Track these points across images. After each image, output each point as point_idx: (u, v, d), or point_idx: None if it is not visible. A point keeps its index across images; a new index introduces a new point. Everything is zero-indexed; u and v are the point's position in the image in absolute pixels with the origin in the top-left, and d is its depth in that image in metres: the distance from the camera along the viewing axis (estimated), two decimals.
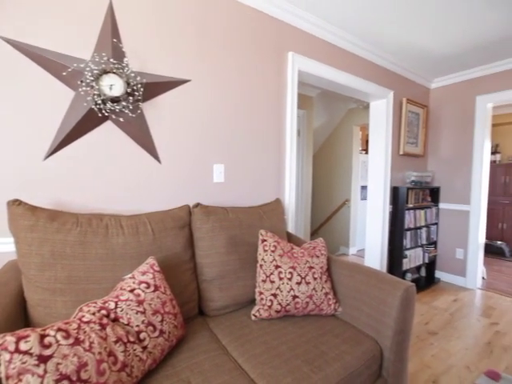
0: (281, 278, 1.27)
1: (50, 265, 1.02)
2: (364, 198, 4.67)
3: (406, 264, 2.96)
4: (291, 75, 2.03)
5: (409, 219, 2.96)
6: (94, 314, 0.83)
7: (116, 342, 0.81)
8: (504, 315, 2.50)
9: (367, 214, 3.03)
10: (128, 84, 1.32)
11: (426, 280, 3.27)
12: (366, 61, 2.64)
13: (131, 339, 0.86)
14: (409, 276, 3.15)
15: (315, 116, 4.30)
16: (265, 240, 1.36)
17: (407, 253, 2.97)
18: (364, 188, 4.66)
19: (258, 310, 1.29)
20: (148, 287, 1.00)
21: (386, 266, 2.99)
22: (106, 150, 1.37)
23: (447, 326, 2.30)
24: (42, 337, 0.68)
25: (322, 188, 4.96)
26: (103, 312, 0.86)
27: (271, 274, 1.29)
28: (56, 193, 1.27)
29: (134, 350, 0.86)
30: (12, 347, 0.63)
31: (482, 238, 3.12)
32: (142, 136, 1.46)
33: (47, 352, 0.66)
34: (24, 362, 0.63)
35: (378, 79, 2.75)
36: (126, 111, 1.38)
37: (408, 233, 2.97)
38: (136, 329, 0.90)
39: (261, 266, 1.34)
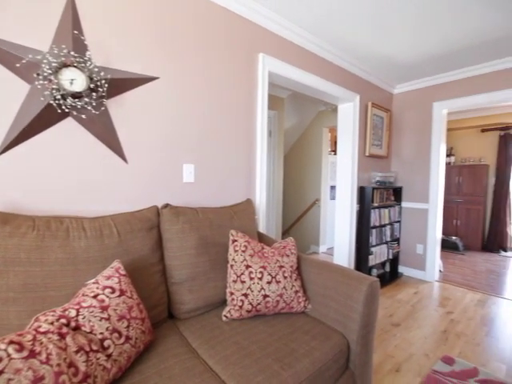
0: (251, 278, 1.28)
1: (0, 272, 0.94)
2: (333, 197, 4.83)
3: (372, 260, 3.10)
4: (262, 76, 2.04)
5: (374, 217, 3.11)
6: (52, 323, 0.78)
7: (77, 351, 0.77)
8: (458, 305, 2.71)
9: (336, 213, 3.14)
10: (91, 79, 1.26)
11: (390, 275, 3.46)
12: (334, 65, 2.73)
13: (94, 348, 0.82)
14: (374, 272, 3.30)
15: (286, 117, 4.37)
16: (235, 240, 1.36)
17: (373, 249, 3.11)
18: (333, 188, 4.82)
19: (228, 311, 1.28)
20: (113, 292, 0.96)
21: (354, 263, 3.12)
22: (66, 148, 1.29)
23: (409, 317, 2.45)
24: None
25: (293, 188, 5.05)
26: (63, 321, 0.81)
27: (242, 274, 1.29)
28: (9, 194, 1.18)
29: (98, 358, 0.81)
30: None
31: (439, 234, 3.36)
32: (106, 134, 1.39)
33: None
34: None
35: (345, 83, 2.86)
36: (89, 108, 1.30)
37: (374, 230, 3.12)
38: (100, 336, 0.86)
39: (231, 266, 1.34)
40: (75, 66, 1.21)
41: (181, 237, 1.37)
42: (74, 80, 1.20)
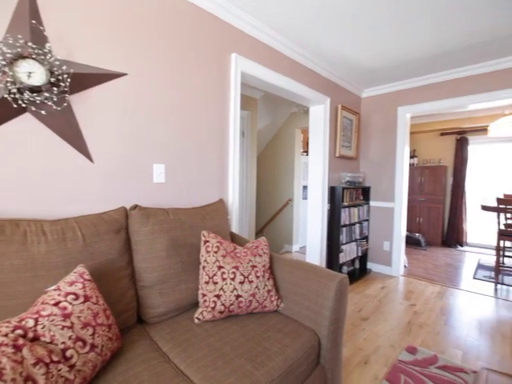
0: (224, 279, 1.27)
1: None
2: (305, 197, 4.93)
3: (343, 258, 3.21)
4: (234, 76, 2.04)
5: (344, 216, 3.22)
6: (6, 335, 0.72)
7: (35, 364, 0.72)
8: (420, 297, 2.88)
9: (308, 212, 3.21)
10: (52, 73, 1.18)
11: (360, 271, 3.60)
12: (306, 68, 2.79)
13: (55, 359, 0.77)
14: (345, 269, 3.42)
15: (259, 118, 4.40)
16: (207, 241, 1.35)
17: (343, 247, 3.22)
18: (306, 188, 4.93)
19: (201, 313, 1.27)
20: (76, 298, 0.91)
21: (326, 261, 3.20)
22: (23, 145, 1.20)
23: (376, 311, 2.57)
24: None
25: (267, 188, 5.09)
26: (19, 332, 0.76)
27: (214, 275, 1.28)
28: None
29: (59, 370, 0.77)
30: None
31: (403, 231, 3.56)
32: (70, 132, 1.31)
33: None
34: None
35: (316, 86, 2.94)
36: (50, 103, 1.23)
37: (344, 229, 3.23)
38: (62, 346, 0.81)
39: (203, 267, 1.32)
40: (34, 58, 1.13)
41: (151, 239, 1.33)
42: (32, 73, 1.13)
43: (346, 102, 3.48)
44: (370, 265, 3.79)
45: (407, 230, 5.46)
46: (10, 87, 1.09)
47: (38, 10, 1.20)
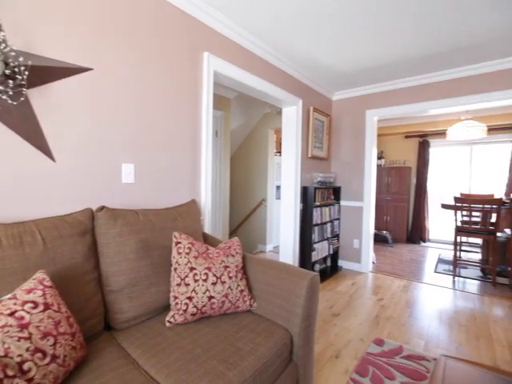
0: (196, 280, 1.25)
1: None
2: (279, 197, 4.99)
3: (315, 256, 3.29)
4: (207, 75, 2.02)
5: (316, 216, 3.30)
6: None
7: None
8: (387, 291, 3.03)
9: (281, 212, 3.25)
10: (7, 64, 1.10)
11: (331, 269, 3.71)
12: (279, 69, 2.82)
13: (10, 373, 0.72)
14: (317, 267, 3.50)
15: (233, 118, 4.39)
16: (179, 242, 1.32)
17: (315, 246, 3.30)
18: (279, 188, 4.99)
19: (172, 316, 1.24)
20: (35, 307, 0.85)
21: (298, 259, 3.26)
22: None
23: (347, 306, 2.66)
24: None
25: (240, 188, 5.09)
26: None
27: (186, 276, 1.26)
28: None
29: None
30: None
31: (371, 229, 3.72)
32: (28, 129, 1.23)
33: None
34: None
35: (289, 87, 2.98)
36: (5, 97, 1.14)
37: (316, 228, 3.31)
38: (18, 359, 0.75)
39: (175, 269, 1.29)
40: None
41: (119, 241, 1.28)
42: None
43: (318, 103, 3.57)
44: (340, 262, 3.92)
45: (375, 228, 5.71)
46: None
47: None
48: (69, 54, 1.35)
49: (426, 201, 5.60)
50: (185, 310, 1.23)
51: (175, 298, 1.26)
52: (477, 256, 4.54)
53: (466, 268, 3.86)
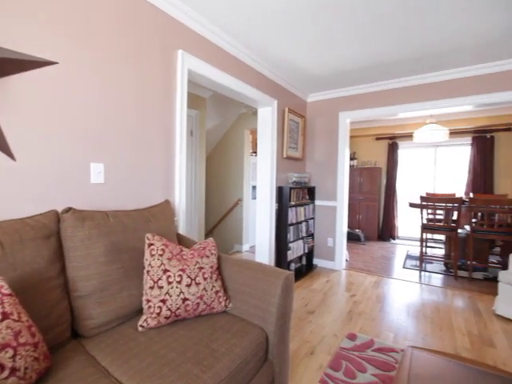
0: (169, 283, 1.23)
1: None
2: (255, 197, 5.01)
3: (291, 255, 3.33)
4: (181, 73, 1.98)
5: (292, 215, 3.35)
6: None
7: None
8: (360, 288, 3.14)
9: (257, 212, 3.27)
10: None
11: (306, 267, 3.78)
12: (254, 70, 2.84)
13: None
14: (293, 266, 3.55)
15: (209, 117, 4.34)
16: (152, 244, 1.29)
17: (291, 245, 3.35)
18: (255, 188, 5.00)
19: (145, 320, 1.20)
20: None
21: (274, 259, 3.29)
22: None
23: (321, 304, 2.72)
24: None
25: (217, 188, 5.05)
26: None
27: (159, 279, 1.23)
28: None
29: None
30: None
31: (345, 228, 3.83)
32: None
33: None
34: None
35: (264, 88, 3.00)
36: None
37: (291, 227, 3.36)
38: None
39: (148, 272, 1.26)
40: None
41: (87, 244, 1.22)
42: None
43: (293, 105, 3.63)
44: (315, 261, 4.01)
45: (348, 227, 5.90)
46: None
47: None
48: (30, 46, 1.27)
49: (396, 200, 5.87)
50: (158, 314, 1.20)
51: (148, 301, 1.23)
52: (441, 251, 4.84)
53: (432, 263, 4.09)
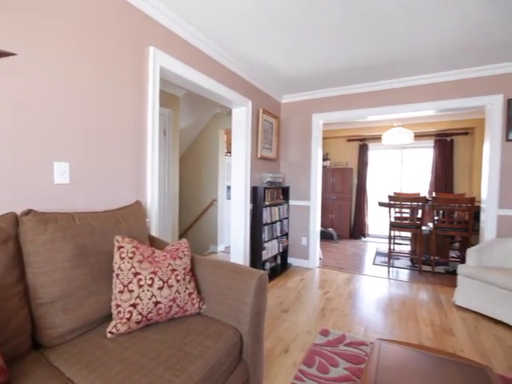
0: (140, 286, 1.19)
1: None
2: (229, 197, 4.99)
3: (265, 255, 3.36)
4: (152, 71, 1.93)
5: (266, 215, 3.37)
6: None
7: None
8: (332, 285, 3.23)
9: (231, 212, 3.26)
10: None
11: (281, 266, 3.83)
12: (229, 70, 2.83)
13: None
14: (268, 265, 3.58)
15: (182, 116, 4.26)
16: (121, 246, 1.24)
17: (265, 245, 3.38)
18: (229, 188, 4.98)
19: (114, 326, 1.16)
20: None
21: (249, 259, 3.30)
22: None
23: (296, 302, 2.77)
24: None
25: (191, 189, 4.98)
26: None
27: (130, 282, 1.19)
28: None
29: None
30: None
31: (318, 227, 3.93)
32: None
33: None
34: None
35: (238, 88, 3.00)
36: None
37: (266, 227, 3.38)
38: None
39: (117, 275, 1.21)
40: None
41: (50, 248, 1.15)
42: None
43: (267, 105, 3.66)
44: (290, 260, 4.07)
45: (322, 226, 6.05)
46: None
47: None
48: None
49: (366, 199, 6.12)
50: (128, 319, 1.16)
51: (118, 306, 1.18)
52: (407, 248, 5.10)
53: (399, 259, 4.31)
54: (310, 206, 3.89)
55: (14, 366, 1.00)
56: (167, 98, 3.43)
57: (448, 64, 2.84)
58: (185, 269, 1.33)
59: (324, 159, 6.26)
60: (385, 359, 1.21)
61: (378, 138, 5.91)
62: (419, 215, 3.83)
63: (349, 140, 6.28)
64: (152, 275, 1.22)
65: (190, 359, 1.05)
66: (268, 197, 3.44)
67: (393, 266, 3.96)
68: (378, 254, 4.69)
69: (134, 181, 1.86)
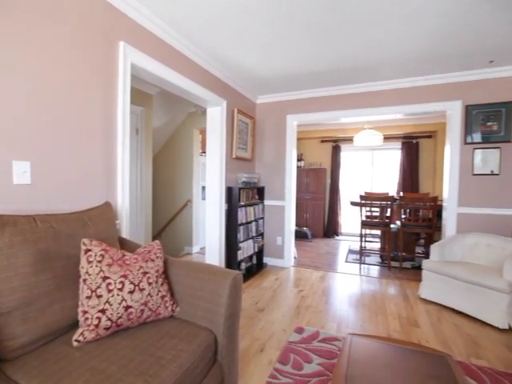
0: (110, 290, 1.14)
1: None
2: (204, 198, 4.92)
3: (241, 255, 3.36)
4: (123, 67, 1.86)
5: (241, 215, 3.37)
6: None
7: None
8: (307, 283, 3.29)
9: (206, 212, 3.22)
10: None
11: (257, 266, 3.84)
12: (203, 69, 2.79)
13: None
14: (243, 265, 3.59)
15: (156, 115, 4.15)
16: (89, 250, 1.18)
17: (241, 245, 3.37)
18: (204, 188, 4.91)
19: (81, 334, 1.10)
20: None
21: (225, 259, 3.28)
22: None
23: (271, 301, 2.79)
24: None
25: (165, 189, 4.86)
26: None
27: (98, 287, 1.14)
28: None
29: None
30: None
31: (293, 226, 3.99)
32: None
33: None
34: None
35: (213, 88, 2.98)
36: None
37: (241, 227, 3.38)
38: None
39: (84, 280, 1.15)
40: None
41: (7, 253, 1.07)
42: None
43: (242, 106, 3.66)
44: (265, 259, 4.10)
45: (296, 225, 6.15)
46: None
47: None
48: None
49: (339, 199, 6.31)
50: (96, 325, 1.11)
51: (85, 312, 1.13)
52: (377, 245, 5.33)
53: (369, 256, 4.49)
54: (284, 206, 3.94)
55: None
56: (140, 96, 3.32)
57: (414, 71, 3.01)
58: (157, 271, 1.30)
59: (298, 160, 6.37)
60: (355, 353, 1.25)
61: (350, 140, 6.11)
62: (388, 214, 4.01)
63: (322, 141, 6.44)
64: (122, 279, 1.17)
65: (163, 364, 1.02)
66: (243, 197, 3.44)
67: (364, 263, 4.11)
68: (351, 251, 4.85)
69: (104, 181, 1.78)
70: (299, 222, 6.21)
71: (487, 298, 2.31)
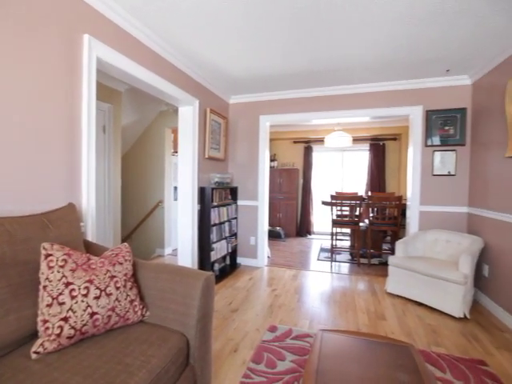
0: (73, 297, 1.08)
1: None
2: (176, 198, 4.82)
3: (214, 256, 3.32)
4: (88, 61, 1.77)
5: (214, 216, 3.34)
6: None
7: None
8: (280, 282, 3.34)
9: (179, 213, 3.16)
10: None
11: (230, 267, 3.83)
12: (175, 67, 2.73)
13: None
14: (217, 266, 3.55)
15: (125, 113, 3.99)
16: (50, 255, 1.11)
17: (214, 246, 3.34)
18: (177, 189, 4.82)
19: (41, 344, 1.03)
20: None
21: (198, 260, 3.23)
22: None
23: (245, 301, 2.79)
24: None
25: (135, 189, 4.69)
26: None
27: (60, 294, 1.07)
28: None
29: None
30: None
31: (266, 226, 4.02)
32: None
33: None
34: None
35: (185, 87, 2.92)
36: None
37: (214, 228, 3.35)
38: None
39: (45, 287, 1.08)
40: None
41: None
42: None
43: (215, 105, 3.63)
44: (239, 259, 4.09)
45: (269, 225, 6.21)
46: None
47: None
48: None
49: (311, 198, 6.46)
50: (58, 335, 1.04)
51: (45, 321, 1.05)
52: (347, 243, 5.52)
53: (340, 254, 4.64)
54: (258, 206, 3.96)
55: None
56: (107, 93, 3.18)
57: (380, 76, 3.15)
58: (126, 275, 1.25)
59: (271, 160, 6.43)
60: (326, 348, 1.29)
61: (321, 141, 6.28)
62: (357, 213, 4.18)
63: (295, 142, 6.56)
64: (87, 284, 1.11)
65: (131, 371, 0.98)
66: (216, 197, 3.41)
67: (335, 261, 4.25)
68: (322, 249, 4.99)
69: (67, 181, 1.68)
70: (272, 222, 6.27)
71: (445, 290, 2.49)
